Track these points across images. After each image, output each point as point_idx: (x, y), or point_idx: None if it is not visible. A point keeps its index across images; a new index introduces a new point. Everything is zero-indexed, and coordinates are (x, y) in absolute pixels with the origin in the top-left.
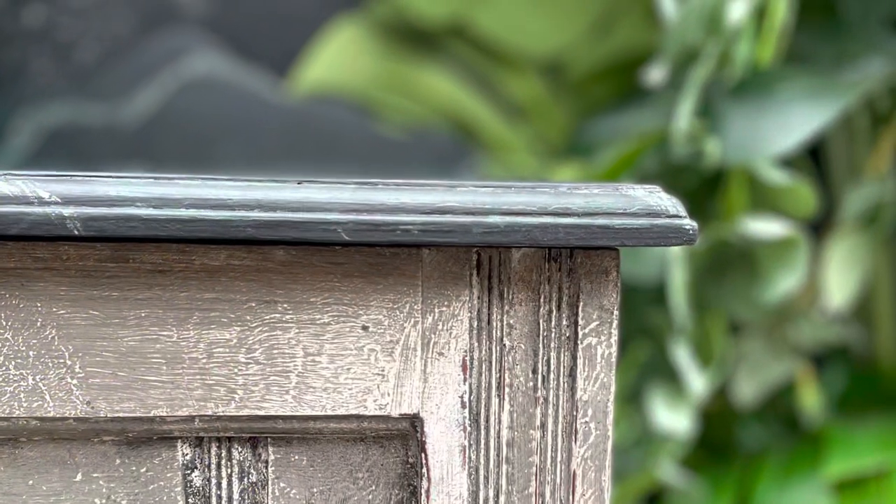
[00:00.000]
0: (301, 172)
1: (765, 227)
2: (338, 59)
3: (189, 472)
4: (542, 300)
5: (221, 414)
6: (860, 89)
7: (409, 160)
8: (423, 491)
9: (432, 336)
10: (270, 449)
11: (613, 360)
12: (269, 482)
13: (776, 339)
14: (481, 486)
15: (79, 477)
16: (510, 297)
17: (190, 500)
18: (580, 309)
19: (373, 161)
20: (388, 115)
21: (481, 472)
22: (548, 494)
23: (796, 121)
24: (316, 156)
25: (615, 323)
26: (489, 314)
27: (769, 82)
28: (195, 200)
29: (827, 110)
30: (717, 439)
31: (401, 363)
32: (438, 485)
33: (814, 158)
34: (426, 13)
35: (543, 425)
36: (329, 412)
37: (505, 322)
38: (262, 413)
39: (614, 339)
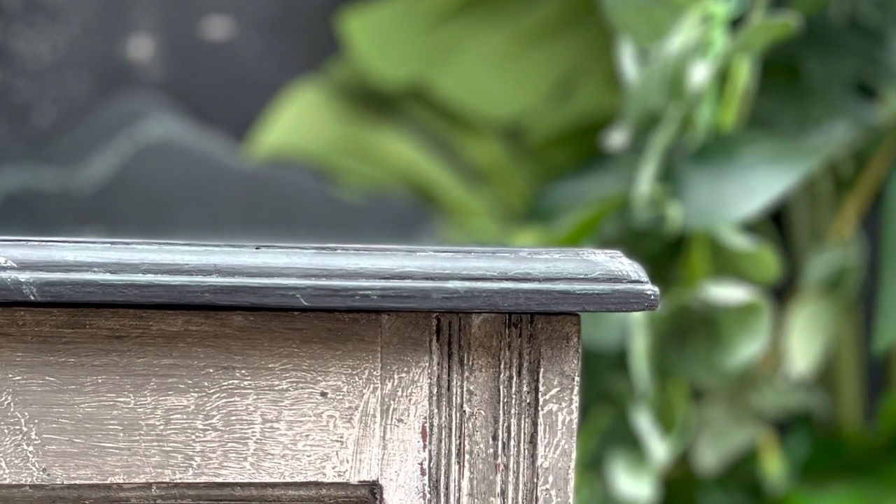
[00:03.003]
0: (259, 237)
1: (727, 293)
2: (296, 123)
3: None
4: (502, 366)
5: (179, 481)
6: (823, 154)
7: (368, 225)
8: None
9: (391, 402)
10: None
11: (574, 426)
12: None
13: (738, 405)
14: None
15: None
16: (470, 362)
17: None
18: (541, 375)
19: (331, 226)
20: (347, 180)
21: None
22: None
23: (759, 185)
24: (274, 220)
25: (576, 389)
26: (449, 380)
27: (731, 146)
28: (152, 265)
29: (790, 175)
30: None
31: (360, 430)
32: None
33: (776, 223)
34: (386, 75)
35: (504, 493)
36: (287, 479)
37: (465, 388)
38: (219, 480)
39: (575, 405)
